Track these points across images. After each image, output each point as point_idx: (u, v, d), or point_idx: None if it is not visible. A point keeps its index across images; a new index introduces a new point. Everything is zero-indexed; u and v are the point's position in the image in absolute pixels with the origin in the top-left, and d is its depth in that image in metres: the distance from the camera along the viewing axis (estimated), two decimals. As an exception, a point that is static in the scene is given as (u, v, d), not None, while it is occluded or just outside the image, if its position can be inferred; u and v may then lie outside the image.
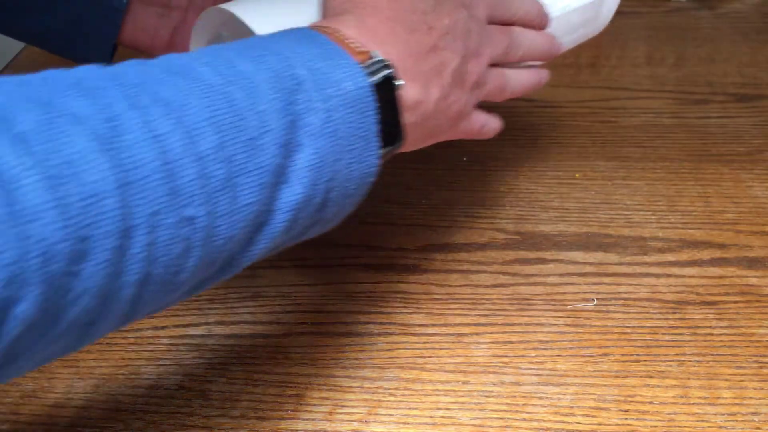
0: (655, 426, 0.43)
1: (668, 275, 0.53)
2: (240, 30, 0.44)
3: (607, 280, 0.53)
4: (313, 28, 0.38)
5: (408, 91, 0.39)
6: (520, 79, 0.49)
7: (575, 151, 0.66)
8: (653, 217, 0.58)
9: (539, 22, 0.49)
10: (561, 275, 0.53)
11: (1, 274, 0.24)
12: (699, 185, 0.61)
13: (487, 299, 0.52)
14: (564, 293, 0.52)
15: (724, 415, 0.44)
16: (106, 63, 0.52)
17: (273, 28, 0.41)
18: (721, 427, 0.43)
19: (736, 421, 0.43)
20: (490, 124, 0.48)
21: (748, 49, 0.80)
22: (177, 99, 0.30)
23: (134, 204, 0.27)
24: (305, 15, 0.44)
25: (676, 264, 0.54)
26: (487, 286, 0.53)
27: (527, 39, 0.48)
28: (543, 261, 0.55)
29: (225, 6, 0.44)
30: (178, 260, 0.30)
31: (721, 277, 0.53)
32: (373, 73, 0.36)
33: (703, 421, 0.44)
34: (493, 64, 0.46)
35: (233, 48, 0.34)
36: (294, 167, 0.33)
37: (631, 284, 0.52)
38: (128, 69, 0.30)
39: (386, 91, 0.37)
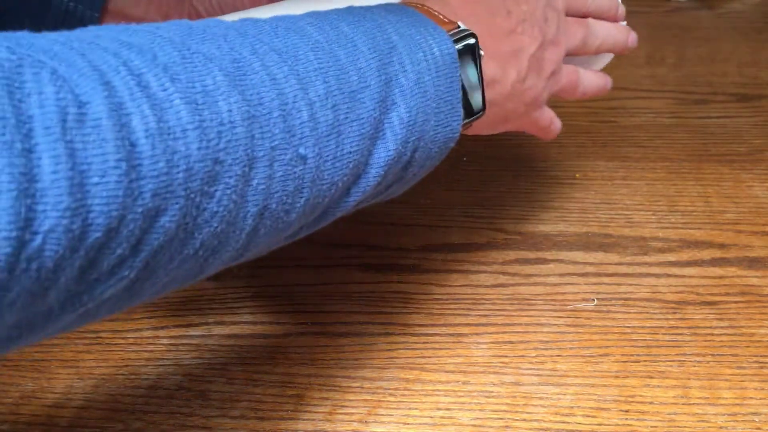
0: (655, 426, 0.43)
1: (668, 275, 0.53)
2: None
3: (607, 280, 0.53)
4: (403, 3, 0.40)
5: (488, 67, 0.41)
6: (591, 80, 0.50)
7: (575, 151, 0.65)
8: (653, 217, 0.58)
9: (613, 14, 0.50)
10: (561, 275, 0.53)
11: (151, 183, 0.26)
12: (699, 185, 0.61)
13: (487, 299, 0.52)
14: (564, 293, 0.52)
15: (724, 415, 0.44)
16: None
17: None
18: (721, 427, 0.43)
19: (737, 421, 0.43)
20: (556, 122, 0.50)
21: (748, 49, 0.80)
22: (289, 50, 0.32)
23: (258, 137, 0.30)
24: None
25: (677, 264, 0.54)
26: (487, 286, 0.53)
27: (603, 30, 0.49)
28: (543, 261, 0.55)
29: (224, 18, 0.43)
30: (291, 198, 0.32)
31: (721, 277, 0.53)
32: (458, 41, 0.39)
33: (703, 421, 0.43)
34: (570, 55, 0.47)
35: (334, 13, 0.36)
36: (389, 123, 0.35)
37: (631, 284, 0.52)
38: (246, 23, 0.33)
39: (472, 60, 0.40)
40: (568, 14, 0.47)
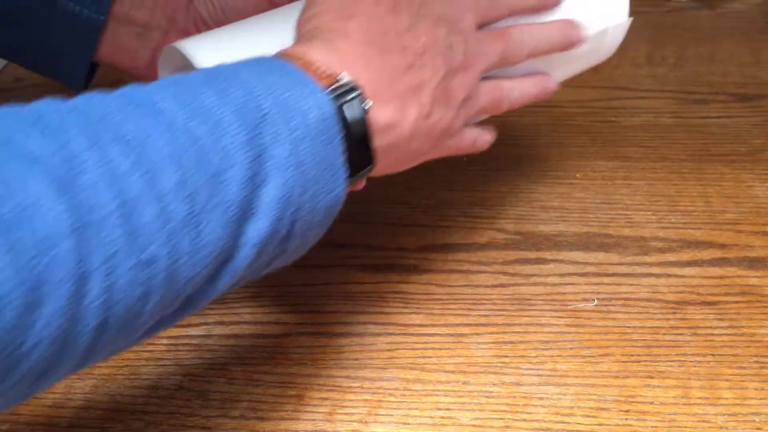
0: (655, 426, 0.43)
1: (669, 275, 0.53)
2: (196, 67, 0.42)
3: (607, 280, 0.53)
4: (280, 56, 0.37)
5: (380, 113, 0.38)
6: (522, 89, 0.47)
7: (575, 151, 0.65)
8: (654, 217, 0.58)
9: (543, 6, 0.47)
10: (561, 275, 0.53)
11: None
12: (700, 185, 0.61)
13: (487, 299, 0.52)
14: (564, 293, 0.52)
15: (724, 415, 0.44)
16: (85, 81, 0.50)
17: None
18: (721, 427, 0.43)
19: (737, 421, 0.43)
20: (482, 137, 0.47)
21: (748, 49, 0.80)
22: (138, 136, 0.29)
23: (91, 247, 0.26)
24: (262, 52, 0.42)
25: (677, 264, 0.54)
26: (487, 286, 0.53)
27: (531, 35, 0.46)
28: (543, 261, 0.55)
29: (178, 44, 0.42)
30: (138, 303, 0.29)
31: (721, 277, 0.53)
32: (339, 97, 0.36)
33: (703, 421, 0.43)
34: (497, 72, 0.44)
35: (198, 78, 0.33)
36: (260, 201, 0.32)
37: (631, 284, 0.52)
38: (89, 102, 0.30)
39: (356, 115, 0.36)
40: (486, 26, 0.44)
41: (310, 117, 0.34)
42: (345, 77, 0.36)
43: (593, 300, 0.51)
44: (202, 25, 0.49)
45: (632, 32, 0.84)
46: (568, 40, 0.47)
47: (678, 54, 0.79)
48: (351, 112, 0.36)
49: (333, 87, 0.36)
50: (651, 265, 0.54)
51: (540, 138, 0.67)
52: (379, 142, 0.38)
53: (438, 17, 0.41)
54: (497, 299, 0.52)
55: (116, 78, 0.52)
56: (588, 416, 0.44)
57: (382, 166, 0.40)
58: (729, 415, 0.44)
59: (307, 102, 0.34)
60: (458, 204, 0.60)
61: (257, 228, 0.32)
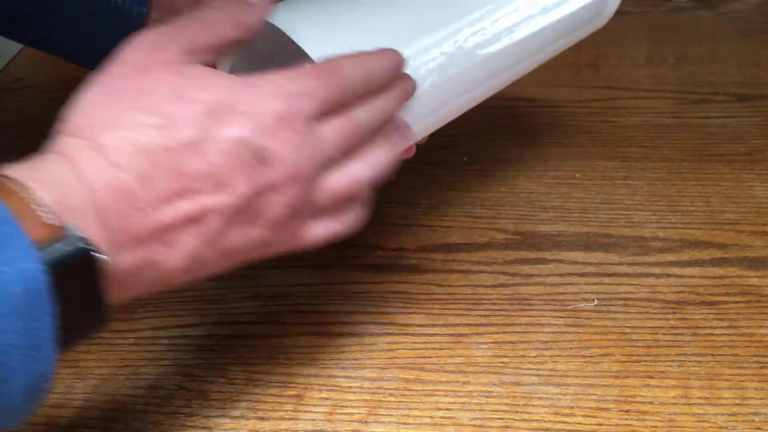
0: (655, 426, 0.43)
1: (669, 275, 0.53)
2: (283, 46, 0.38)
3: (607, 280, 0.53)
4: (2, 182, 0.30)
5: (130, 255, 0.32)
6: (380, 163, 0.39)
7: (575, 151, 0.65)
8: (654, 217, 0.58)
9: (393, 76, 0.39)
10: (561, 275, 0.53)
11: None
12: (700, 185, 0.61)
13: (487, 299, 0.52)
14: (564, 293, 0.52)
15: (724, 415, 0.44)
16: None
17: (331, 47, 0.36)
18: (721, 427, 0.43)
19: (737, 421, 0.43)
20: (343, 227, 0.40)
21: (748, 49, 0.80)
22: None
23: None
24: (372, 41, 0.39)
25: (677, 264, 0.54)
26: (487, 286, 0.53)
27: (379, 111, 0.38)
28: (543, 261, 0.55)
29: (275, 21, 0.38)
30: None
31: (721, 277, 0.53)
32: (57, 260, 0.29)
33: (703, 421, 0.43)
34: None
35: None
36: None
37: (631, 284, 0.52)
38: None
39: (85, 272, 0.30)
40: (333, 112, 0.36)
41: (10, 290, 0.27)
42: (74, 231, 0.29)
43: (593, 300, 0.51)
44: None
45: (632, 32, 0.84)
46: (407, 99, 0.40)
47: (678, 54, 0.79)
48: (78, 267, 0.29)
49: (52, 244, 0.29)
50: (651, 265, 0.54)
51: (540, 138, 0.67)
52: (129, 283, 0.33)
53: (243, 126, 0.33)
54: (497, 299, 0.52)
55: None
56: (588, 416, 0.44)
57: (155, 290, 0.35)
58: (729, 415, 0.44)
59: (9, 269, 0.27)
60: (458, 204, 0.60)
61: None
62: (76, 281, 0.30)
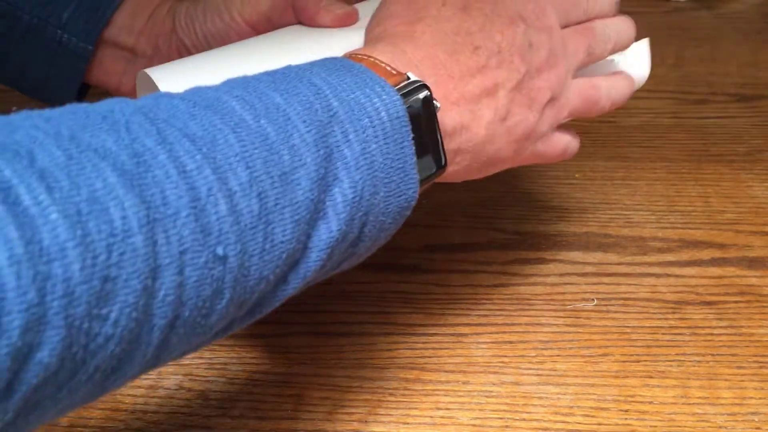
0: (655, 426, 0.43)
1: (668, 275, 0.53)
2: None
3: (606, 280, 0.53)
4: (347, 56, 0.37)
5: (449, 114, 0.37)
6: (619, 89, 0.46)
7: (575, 151, 0.65)
8: (653, 217, 0.58)
9: (615, 11, 0.47)
10: (561, 275, 0.53)
11: (18, 319, 0.23)
12: (699, 185, 0.61)
13: (487, 299, 0.52)
14: (564, 293, 0.52)
15: (724, 415, 0.44)
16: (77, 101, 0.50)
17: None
18: (721, 427, 0.43)
19: (736, 421, 0.43)
20: (572, 145, 0.46)
21: (747, 49, 0.80)
22: (206, 134, 0.29)
23: (162, 242, 0.26)
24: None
25: (676, 264, 0.54)
26: (487, 286, 0.53)
27: (613, 29, 0.45)
28: (543, 261, 0.55)
29: (147, 70, 0.42)
30: (208, 302, 0.28)
31: (720, 277, 0.53)
32: (407, 95, 0.35)
33: (703, 421, 0.44)
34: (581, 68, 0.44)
35: (265, 79, 0.33)
36: (331, 201, 0.32)
37: (630, 284, 0.52)
38: (158, 102, 0.30)
39: (426, 115, 0.36)
40: (567, 25, 0.43)
41: (380, 116, 0.33)
42: (413, 76, 0.36)
43: (593, 300, 0.51)
44: (185, 52, 0.48)
45: (631, 32, 0.84)
46: (634, 36, 0.48)
47: (677, 54, 0.79)
48: (421, 111, 0.35)
49: (401, 85, 0.35)
50: (650, 265, 0.54)
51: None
52: (449, 145, 0.38)
53: (515, 15, 0.40)
54: (497, 299, 0.52)
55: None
56: (587, 416, 0.44)
57: (457, 171, 0.39)
58: (728, 414, 0.44)
59: (377, 100, 0.34)
60: (458, 204, 0.60)
61: (327, 230, 0.32)
62: (422, 116, 0.35)
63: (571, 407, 0.44)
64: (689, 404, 0.44)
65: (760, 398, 0.45)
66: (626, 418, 0.44)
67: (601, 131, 0.68)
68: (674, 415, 0.44)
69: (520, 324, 0.50)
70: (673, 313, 0.50)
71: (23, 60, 0.47)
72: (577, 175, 0.63)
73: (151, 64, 0.47)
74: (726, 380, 0.46)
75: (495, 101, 0.39)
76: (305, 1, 0.45)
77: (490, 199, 0.60)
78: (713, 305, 0.51)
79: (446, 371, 0.47)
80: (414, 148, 0.35)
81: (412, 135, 0.34)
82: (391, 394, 0.46)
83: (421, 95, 0.35)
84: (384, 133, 0.33)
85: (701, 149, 0.65)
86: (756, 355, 0.47)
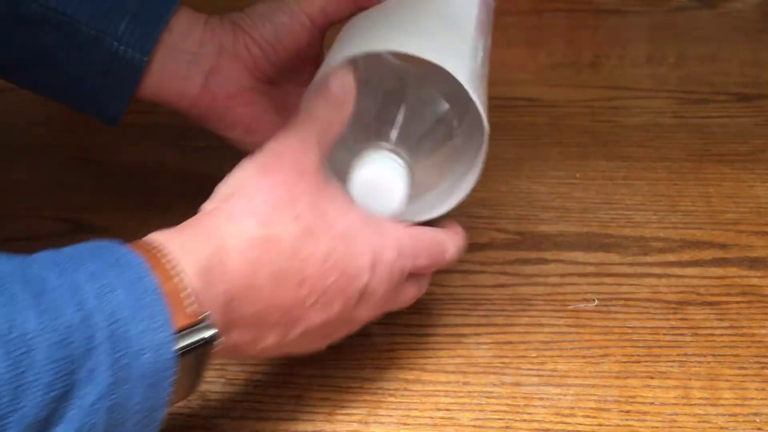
0: (656, 427, 0.43)
1: (669, 275, 0.53)
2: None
3: (608, 280, 0.53)
4: (153, 260, 0.34)
5: (232, 336, 0.36)
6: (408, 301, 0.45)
7: (576, 151, 0.65)
8: (654, 217, 0.58)
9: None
10: (562, 275, 0.53)
11: None
12: (700, 185, 0.61)
13: (487, 299, 0.52)
14: (565, 293, 0.52)
15: (725, 415, 0.44)
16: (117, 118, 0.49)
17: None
18: (722, 428, 0.43)
19: (738, 422, 0.43)
20: (421, 291, 0.45)
21: (749, 49, 0.80)
22: None
23: None
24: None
25: (678, 264, 0.54)
26: (487, 286, 0.53)
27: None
28: (543, 261, 0.55)
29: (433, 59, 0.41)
30: None
31: (722, 277, 0.53)
32: (187, 336, 0.33)
33: (704, 422, 0.43)
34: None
35: (45, 273, 0.31)
36: None
37: (632, 284, 0.52)
38: None
39: (200, 353, 0.34)
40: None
41: (144, 359, 0.31)
42: (207, 319, 0.33)
43: (594, 300, 0.51)
44: (253, 45, 0.48)
45: (633, 32, 0.84)
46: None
47: (678, 54, 0.79)
48: (196, 351, 0.33)
49: (188, 330, 0.33)
50: (651, 265, 0.54)
51: (540, 138, 0.67)
52: (222, 355, 0.36)
53: (364, 261, 0.39)
54: (497, 299, 0.51)
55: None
56: (588, 416, 0.44)
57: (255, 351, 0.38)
58: (729, 415, 0.44)
59: (147, 340, 0.31)
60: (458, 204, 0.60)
61: None
62: (193, 358, 0.33)
63: (572, 408, 0.44)
64: (690, 405, 0.44)
65: (761, 399, 0.45)
66: (627, 419, 0.44)
67: (602, 131, 0.68)
68: (675, 415, 0.44)
69: (520, 324, 0.50)
70: (675, 313, 0.50)
71: (78, 72, 0.46)
72: (578, 175, 0.63)
73: (219, 64, 0.48)
74: (727, 381, 0.46)
75: (289, 331, 0.38)
76: None
77: (491, 199, 0.60)
78: (715, 305, 0.51)
79: (446, 372, 0.47)
80: (170, 388, 0.33)
81: (172, 379, 0.32)
82: (391, 395, 0.46)
83: (203, 336, 0.33)
84: (141, 375, 0.31)
85: (703, 149, 0.65)
86: (758, 356, 0.47)
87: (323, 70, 0.43)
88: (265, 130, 0.48)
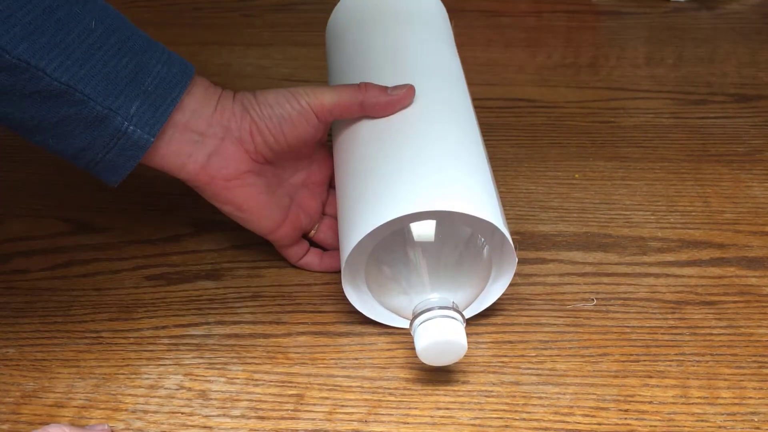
0: (654, 426, 0.43)
1: (667, 275, 0.53)
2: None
3: (606, 280, 0.53)
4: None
5: None
6: None
7: (575, 151, 0.66)
8: (653, 217, 0.58)
9: None
10: (560, 275, 0.53)
11: None
12: (698, 185, 0.61)
13: (486, 299, 0.52)
14: (563, 293, 0.52)
15: (723, 414, 0.44)
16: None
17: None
18: (720, 426, 0.43)
19: (736, 420, 0.44)
20: None
21: (747, 50, 0.80)
22: None
23: None
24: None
25: (676, 264, 0.54)
26: (486, 286, 0.53)
27: None
28: (542, 261, 0.55)
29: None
30: None
31: (720, 277, 0.53)
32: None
33: (702, 420, 0.44)
34: None
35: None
36: None
37: (630, 284, 0.53)
38: None
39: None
40: None
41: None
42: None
43: (592, 300, 0.51)
44: (257, 133, 0.50)
45: (631, 32, 0.84)
46: None
47: (677, 55, 0.79)
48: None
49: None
50: (650, 265, 0.54)
51: (539, 138, 0.67)
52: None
53: None
54: (497, 299, 0.52)
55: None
56: (587, 415, 0.44)
57: None
58: (727, 414, 0.44)
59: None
60: (458, 204, 0.60)
61: None
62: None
63: (571, 407, 0.45)
64: (689, 404, 0.45)
65: (759, 398, 0.45)
66: (626, 418, 0.44)
67: (600, 131, 0.68)
68: (674, 414, 0.44)
69: (519, 324, 0.50)
70: (673, 313, 0.50)
71: (82, 144, 0.46)
72: (576, 176, 0.63)
73: (221, 146, 0.49)
74: (725, 380, 0.46)
75: None
76: (374, 97, 0.50)
77: (490, 199, 0.60)
78: (713, 305, 0.51)
79: (446, 371, 0.47)
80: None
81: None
82: (391, 394, 0.46)
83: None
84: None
85: (701, 149, 0.65)
86: (755, 355, 0.47)
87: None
88: (255, 209, 0.51)
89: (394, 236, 0.46)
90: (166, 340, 0.49)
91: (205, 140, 0.49)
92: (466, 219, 0.45)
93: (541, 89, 0.74)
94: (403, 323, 0.48)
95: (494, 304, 0.51)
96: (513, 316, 0.50)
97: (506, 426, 0.44)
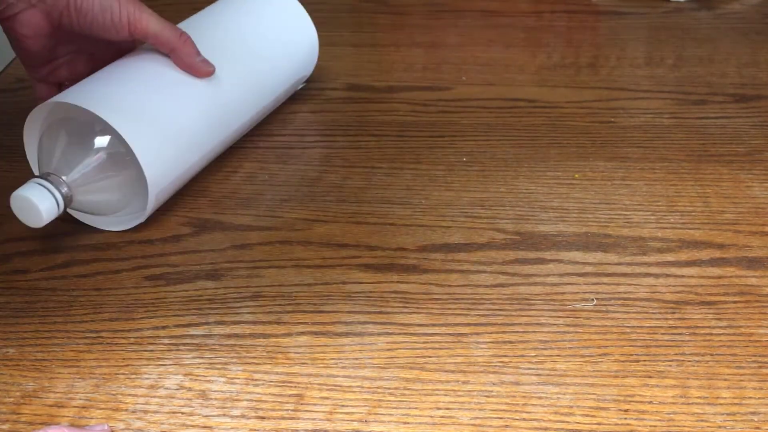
0: (654, 426, 0.43)
1: (667, 275, 0.53)
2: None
3: (606, 280, 0.53)
4: None
5: None
6: None
7: (574, 152, 0.66)
8: (652, 217, 0.58)
9: None
10: (560, 275, 0.53)
11: None
12: (698, 185, 0.61)
13: (486, 299, 0.52)
14: (563, 293, 0.52)
15: (723, 414, 0.44)
16: None
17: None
18: (720, 426, 0.43)
19: (735, 420, 0.44)
20: None
21: (747, 50, 0.80)
22: None
23: None
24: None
25: (676, 264, 0.54)
26: (486, 286, 0.53)
27: None
28: (542, 261, 0.55)
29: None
30: None
31: (720, 277, 0.53)
32: None
33: (702, 420, 0.44)
34: None
35: None
36: None
37: (630, 284, 0.53)
38: None
39: None
40: None
41: None
42: None
43: (592, 300, 0.51)
44: (66, 16, 0.55)
45: (631, 32, 0.84)
46: None
47: (677, 55, 0.79)
48: None
49: None
50: (650, 265, 0.54)
51: (539, 138, 0.67)
52: None
53: None
54: (496, 299, 0.52)
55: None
56: (587, 415, 0.44)
57: None
58: (727, 414, 0.44)
59: None
60: (458, 204, 0.60)
61: None
62: None
63: (571, 407, 0.45)
64: (688, 404, 0.45)
65: (759, 398, 0.45)
66: (626, 418, 0.44)
67: (600, 132, 0.68)
68: (673, 414, 0.44)
69: (519, 324, 0.50)
70: (673, 313, 0.50)
71: None
72: (576, 176, 0.63)
73: (28, 11, 0.55)
74: (725, 380, 0.46)
75: None
76: (185, 54, 0.57)
77: (490, 199, 0.61)
78: (712, 305, 0.51)
79: (446, 371, 0.47)
80: None
81: None
82: (391, 394, 0.46)
83: None
84: None
85: (701, 149, 0.65)
86: (755, 355, 0.47)
87: None
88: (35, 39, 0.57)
89: (68, 115, 0.56)
90: (166, 340, 0.49)
91: (19, 3, 0.54)
92: (93, 116, 0.54)
93: (541, 89, 0.74)
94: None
95: (494, 303, 0.51)
96: (513, 316, 0.50)
97: (506, 426, 0.44)
